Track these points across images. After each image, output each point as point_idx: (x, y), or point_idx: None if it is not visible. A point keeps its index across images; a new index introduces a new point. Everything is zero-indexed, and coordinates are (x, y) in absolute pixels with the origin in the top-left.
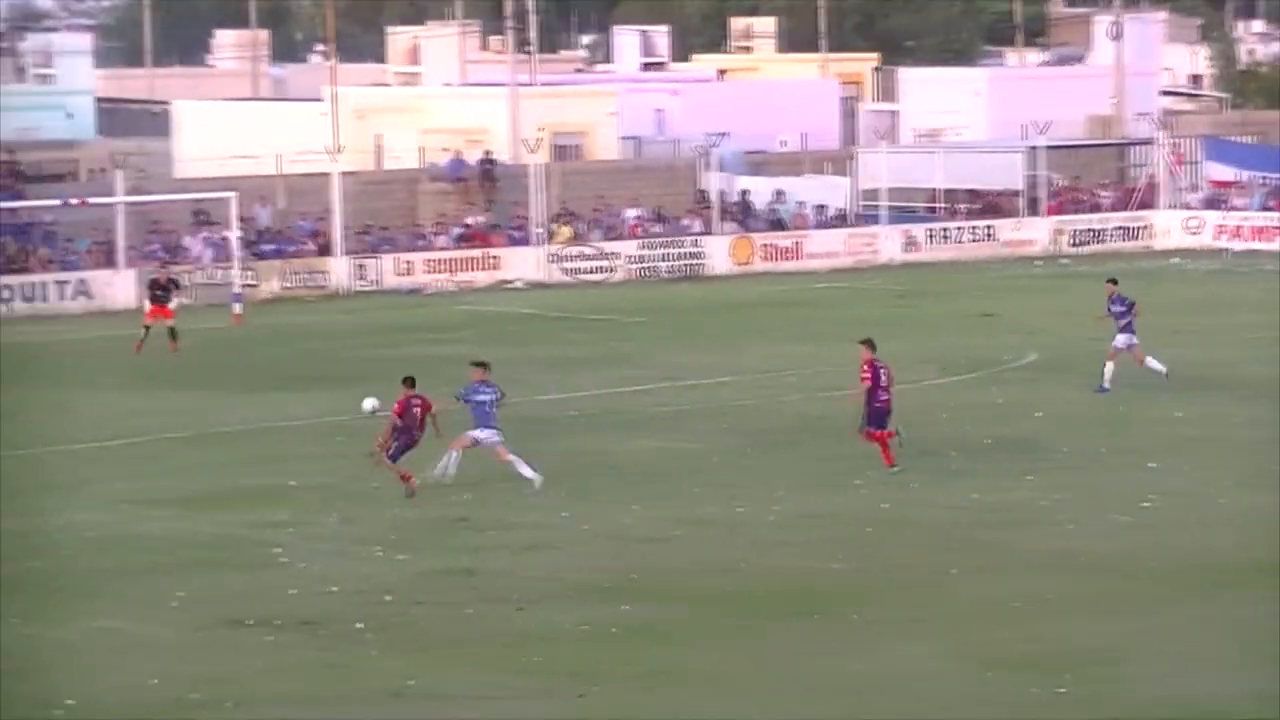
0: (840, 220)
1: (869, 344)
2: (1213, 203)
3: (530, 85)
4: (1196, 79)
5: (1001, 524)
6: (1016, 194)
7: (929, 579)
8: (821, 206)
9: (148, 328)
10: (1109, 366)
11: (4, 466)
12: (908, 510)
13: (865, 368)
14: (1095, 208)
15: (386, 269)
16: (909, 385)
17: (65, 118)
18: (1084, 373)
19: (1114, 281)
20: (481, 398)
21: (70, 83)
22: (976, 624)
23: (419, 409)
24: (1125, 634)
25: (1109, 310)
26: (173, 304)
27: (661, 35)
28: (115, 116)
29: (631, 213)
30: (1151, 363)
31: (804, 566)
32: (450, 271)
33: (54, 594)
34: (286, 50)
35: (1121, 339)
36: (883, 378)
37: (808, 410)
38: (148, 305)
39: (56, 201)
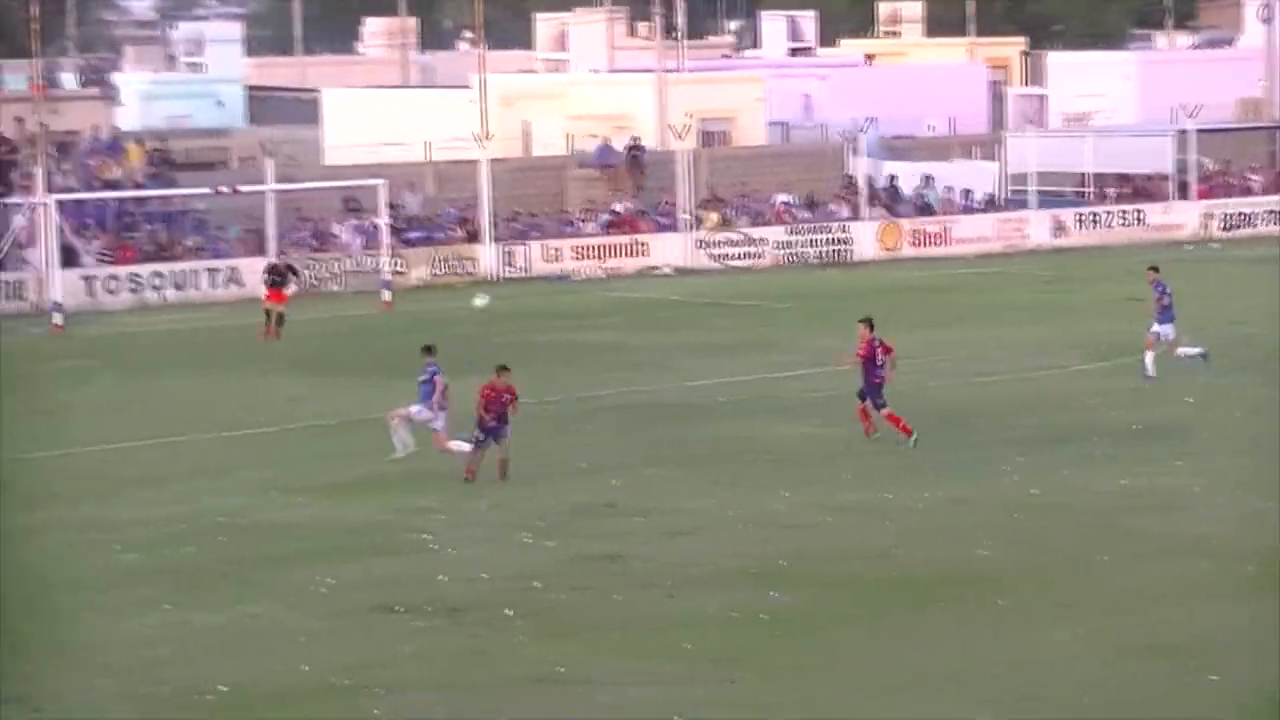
0: (989, 205)
1: (868, 322)
2: None
3: (677, 71)
4: None
5: (1149, 509)
6: (1166, 178)
7: (1076, 565)
8: (969, 191)
9: (268, 312)
10: (1149, 356)
11: (155, 453)
12: (1056, 496)
13: (863, 345)
14: (1246, 191)
15: (535, 255)
16: (1057, 370)
17: (216, 106)
18: (1233, 358)
19: (1155, 269)
20: (421, 378)
21: (221, 71)
22: (1122, 610)
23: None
24: (1272, 620)
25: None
26: (289, 289)
27: (808, 20)
28: (265, 104)
29: (779, 198)
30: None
31: (952, 553)
32: (598, 258)
33: (206, 580)
34: (435, 38)
35: (1165, 328)
36: (879, 356)
37: (957, 396)
38: (265, 290)
39: (207, 189)
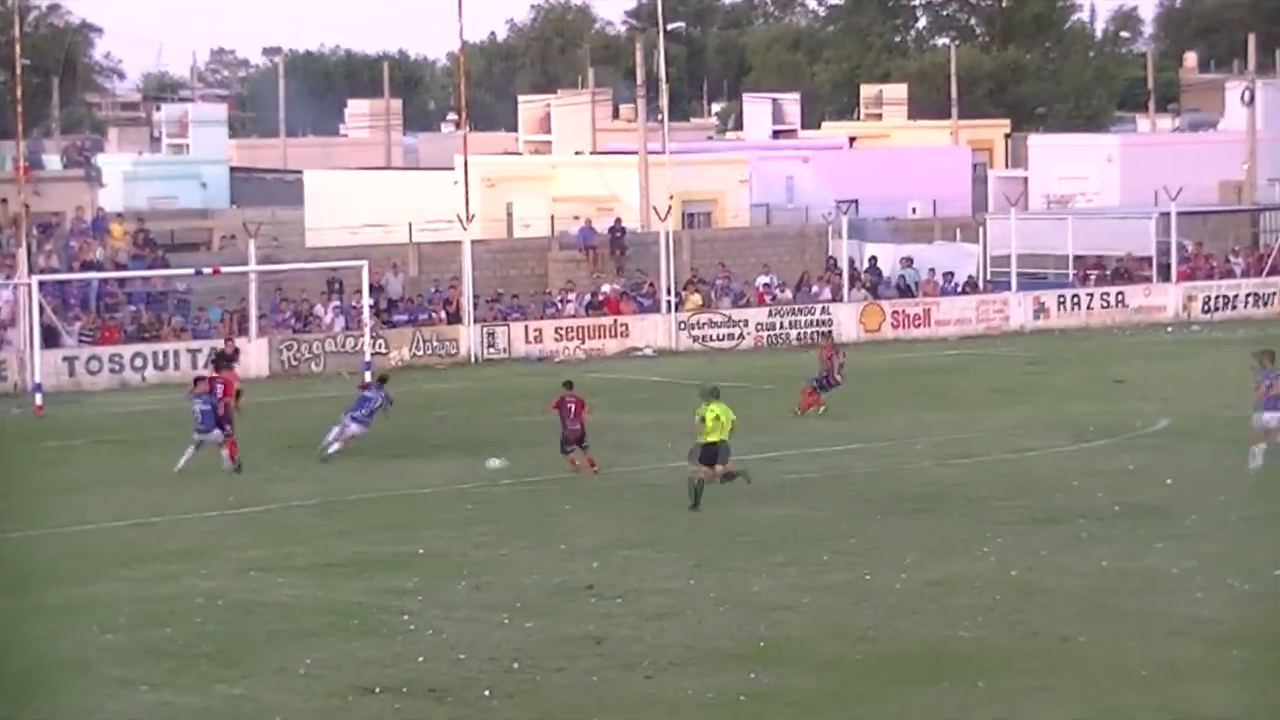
0: (970, 287)
1: (568, 385)
2: None
3: (661, 153)
4: None
5: (1130, 591)
6: (1148, 260)
7: (1057, 646)
8: (951, 273)
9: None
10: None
11: (136, 534)
12: (1036, 577)
13: (555, 402)
14: (1227, 274)
15: (516, 337)
16: (1038, 452)
17: (199, 187)
18: (1215, 440)
19: (1271, 355)
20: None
21: (204, 152)
22: (1104, 692)
23: (572, 405)
24: (1257, 704)
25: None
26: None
27: (792, 103)
28: (248, 185)
29: (761, 280)
30: None
31: (932, 634)
32: (580, 339)
33: (185, 661)
34: (419, 119)
35: (1270, 416)
36: (572, 410)
37: (936, 477)
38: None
39: (190, 270)
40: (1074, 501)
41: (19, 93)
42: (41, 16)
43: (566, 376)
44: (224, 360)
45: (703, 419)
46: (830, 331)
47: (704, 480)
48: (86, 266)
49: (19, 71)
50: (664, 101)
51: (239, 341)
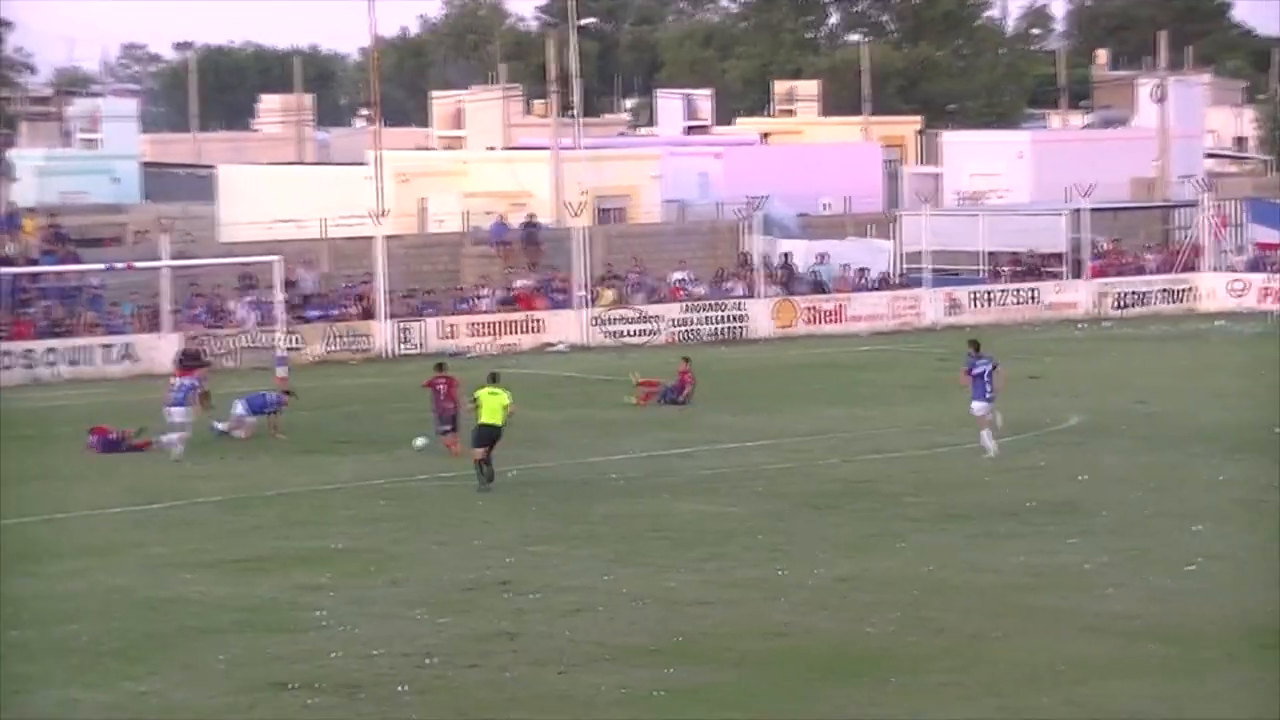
0: (883, 283)
1: (439, 366)
2: (1257, 265)
3: (574, 149)
4: (1241, 141)
5: (1045, 587)
6: (1060, 257)
7: (971, 642)
8: (864, 269)
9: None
10: (985, 434)
11: (43, 531)
12: (951, 573)
13: (427, 381)
14: (1139, 270)
15: (430, 332)
16: (951, 448)
17: (111, 182)
18: (1127, 436)
19: (976, 344)
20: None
21: (116, 147)
22: (1018, 688)
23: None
24: (1170, 698)
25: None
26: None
27: (704, 99)
28: (161, 181)
29: (675, 275)
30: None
31: (847, 629)
32: (494, 334)
33: (96, 658)
34: (331, 114)
35: (980, 405)
36: (443, 390)
37: (849, 474)
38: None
39: (102, 265)
40: (986, 498)
41: None
42: None
43: (475, 376)
44: (190, 359)
45: (475, 401)
46: (689, 358)
47: (483, 461)
48: None
49: None
50: (577, 97)
51: (153, 337)
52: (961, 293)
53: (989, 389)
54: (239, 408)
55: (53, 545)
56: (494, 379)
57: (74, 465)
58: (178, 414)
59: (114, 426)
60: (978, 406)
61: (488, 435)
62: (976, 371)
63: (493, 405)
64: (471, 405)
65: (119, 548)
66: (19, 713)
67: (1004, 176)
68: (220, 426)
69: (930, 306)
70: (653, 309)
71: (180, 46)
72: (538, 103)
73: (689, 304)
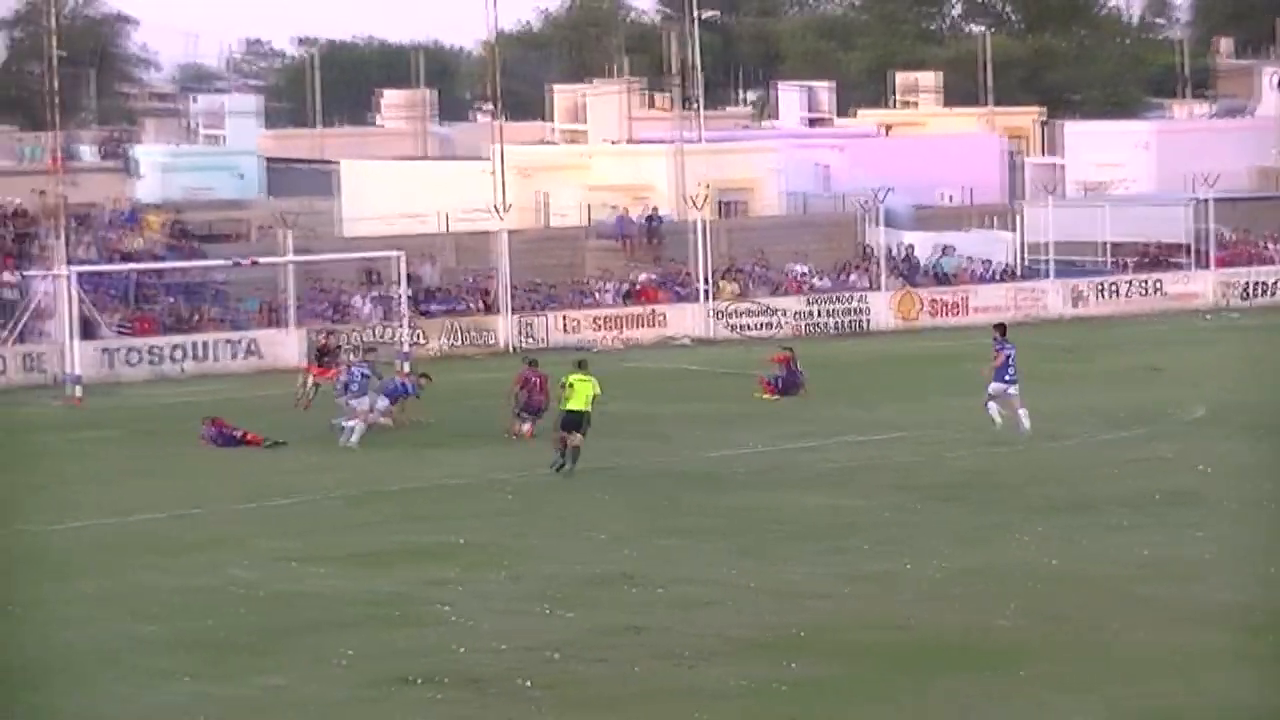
0: (1005, 275)
1: (532, 363)
2: None
3: (695, 142)
4: None
5: (1167, 578)
6: (1184, 247)
7: (1094, 634)
8: (987, 261)
9: (318, 386)
10: (993, 407)
11: (171, 525)
12: (1073, 565)
13: (520, 378)
14: (1263, 260)
15: (552, 326)
16: (1075, 440)
17: (234, 178)
18: (1251, 427)
19: (1002, 328)
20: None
21: (239, 143)
22: (1140, 679)
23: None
24: None
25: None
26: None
27: (825, 91)
28: (283, 176)
29: (796, 268)
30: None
31: (970, 622)
32: (616, 329)
33: (224, 651)
34: (452, 109)
35: (998, 385)
36: (537, 384)
37: (972, 465)
38: (308, 365)
39: (226, 261)
40: (1110, 489)
41: (54, 84)
42: (77, 8)
43: (597, 370)
44: (324, 355)
45: (565, 385)
46: (790, 349)
47: (564, 446)
48: (123, 258)
49: (54, 63)
50: (698, 90)
51: (276, 332)
52: (1085, 284)
53: (1010, 371)
54: (380, 401)
55: (184, 539)
56: (582, 365)
57: (199, 461)
58: (357, 403)
59: (232, 424)
60: (995, 386)
61: (574, 421)
62: (1006, 353)
63: (583, 392)
64: (562, 389)
65: (246, 542)
66: (153, 707)
67: (1126, 167)
68: (348, 422)
69: (1054, 298)
70: (774, 302)
71: (302, 42)
72: (658, 96)
73: (811, 297)
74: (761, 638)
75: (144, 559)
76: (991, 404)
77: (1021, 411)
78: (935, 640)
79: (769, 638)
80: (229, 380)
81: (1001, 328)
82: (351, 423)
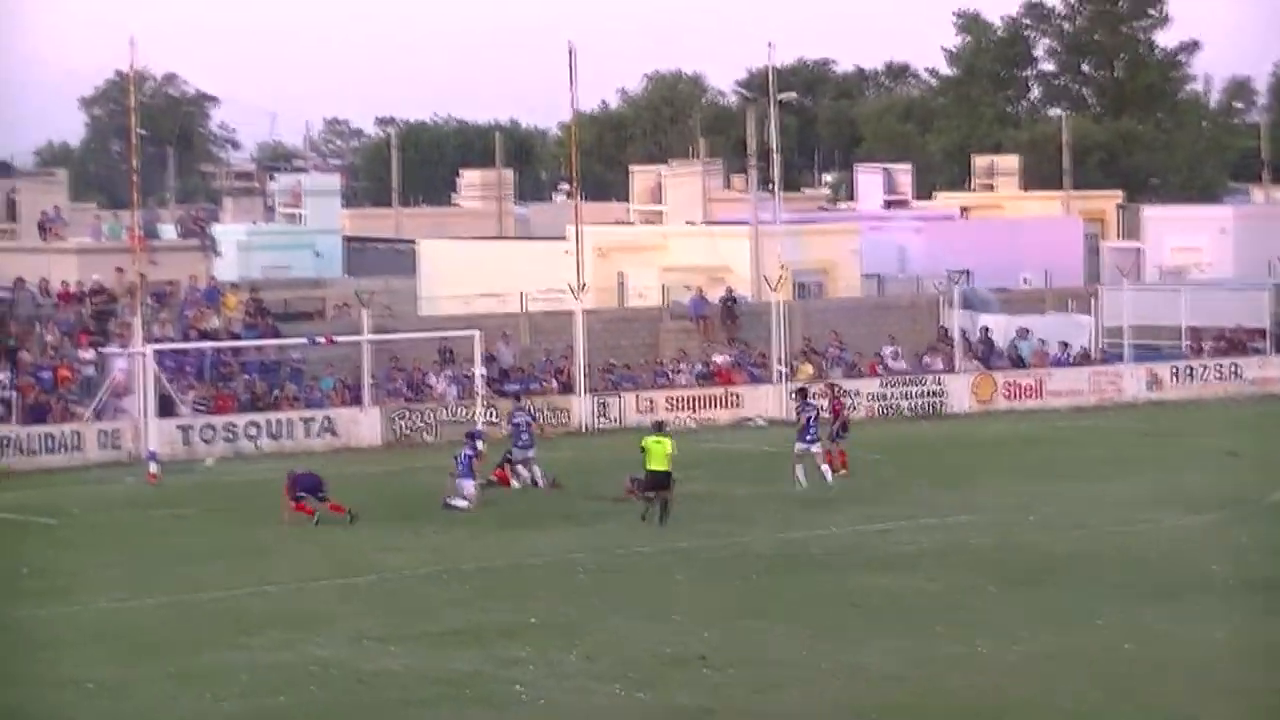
0: (1083, 358)
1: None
2: None
3: (773, 223)
4: None
5: (1246, 665)
6: (1263, 332)
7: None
8: (1064, 344)
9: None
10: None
11: (250, 602)
12: (1150, 650)
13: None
14: None
15: (628, 406)
16: (1152, 524)
17: (313, 256)
18: None
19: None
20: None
21: (318, 222)
22: None
23: None
24: None
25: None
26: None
27: (904, 173)
28: (362, 255)
29: (887, 350)
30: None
31: (1045, 706)
32: (692, 409)
33: None
34: (531, 189)
35: (801, 446)
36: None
37: (1048, 549)
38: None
39: (303, 339)
40: (1187, 574)
41: (135, 163)
42: (158, 86)
43: (680, 446)
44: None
45: (643, 449)
46: (835, 384)
47: (651, 500)
48: (202, 335)
49: (135, 141)
50: (776, 171)
51: (353, 411)
52: (1162, 368)
53: (811, 432)
54: (467, 487)
55: (259, 617)
56: (659, 427)
57: (275, 539)
58: (467, 486)
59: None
60: (799, 447)
61: (659, 481)
62: (807, 415)
63: (659, 452)
64: (641, 452)
65: (323, 620)
66: None
67: (1206, 251)
68: (455, 502)
69: (1131, 382)
70: (851, 383)
71: (382, 122)
72: (737, 177)
73: (887, 379)
74: None
75: (221, 637)
76: (798, 466)
77: (824, 468)
78: None
79: None
80: (305, 459)
81: (803, 391)
82: (462, 503)
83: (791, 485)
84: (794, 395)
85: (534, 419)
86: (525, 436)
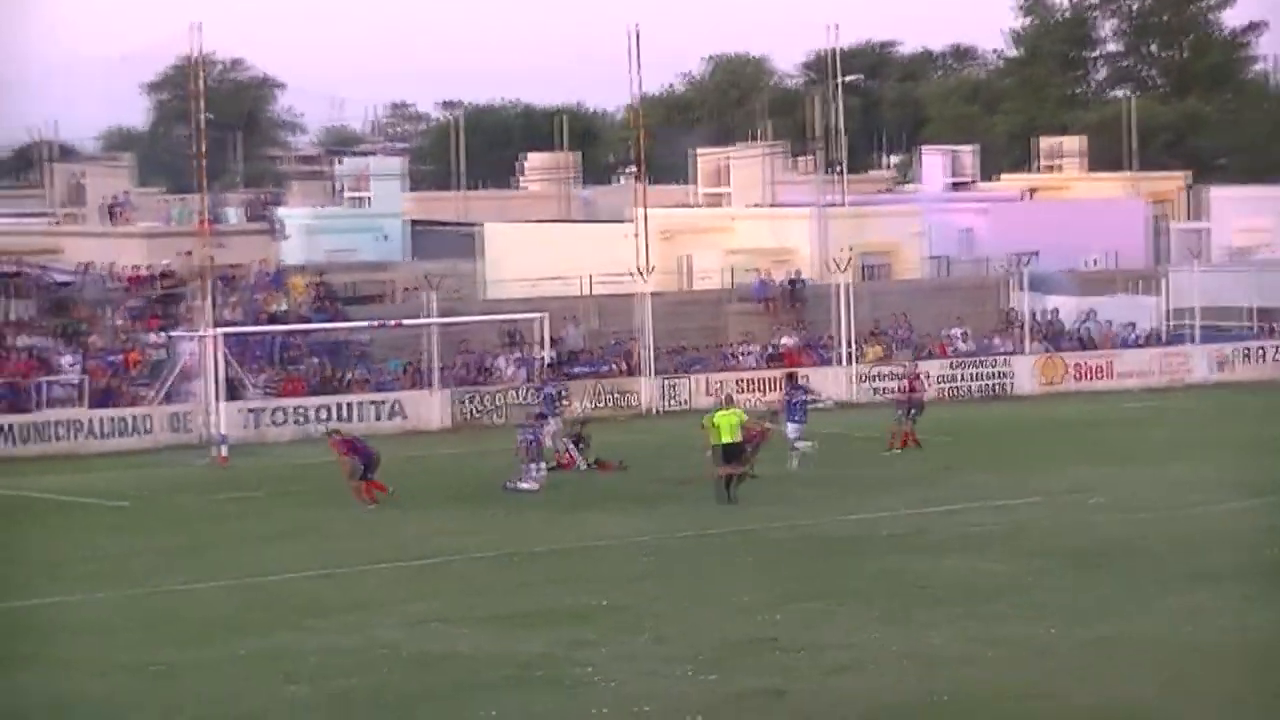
0: (1150, 340)
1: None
2: None
3: (837, 205)
4: None
5: None
6: None
7: (1235, 704)
8: (1131, 325)
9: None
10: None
11: (318, 585)
12: (1214, 634)
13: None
14: None
15: (696, 389)
16: (1217, 507)
17: (378, 240)
18: None
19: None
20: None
21: (383, 205)
22: None
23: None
24: None
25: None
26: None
27: (968, 155)
28: (427, 238)
29: (950, 331)
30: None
31: (1113, 690)
32: (759, 391)
33: (369, 712)
34: (595, 172)
35: (794, 426)
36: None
37: (1117, 531)
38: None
39: (370, 323)
40: (1250, 558)
41: (202, 147)
42: (224, 71)
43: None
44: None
45: (708, 425)
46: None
47: (730, 477)
48: (269, 319)
49: (201, 126)
50: (841, 154)
51: (421, 394)
52: (1230, 349)
53: (800, 413)
54: (533, 470)
55: (328, 600)
56: (729, 401)
57: (344, 521)
58: (533, 469)
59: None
60: (791, 428)
61: (731, 453)
62: (794, 401)
63: (730, 423)
64: (707, 428)
65: (391, 603)
66: None
67: (1273, 231)
68: (521, 485)
69: (1198, 363)
70: (917, 365)
71: (447, 105)
72: (801, 159)
73: (954, 360)
74: (903, 703)
75: (290, 619)
76: (799, 443)
77: (798, 448)
78: (1079, 708)
79: (911, 703)
80: (373, 441)
81: (792, 375)
82: (527, 485)
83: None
84: (786, 378)
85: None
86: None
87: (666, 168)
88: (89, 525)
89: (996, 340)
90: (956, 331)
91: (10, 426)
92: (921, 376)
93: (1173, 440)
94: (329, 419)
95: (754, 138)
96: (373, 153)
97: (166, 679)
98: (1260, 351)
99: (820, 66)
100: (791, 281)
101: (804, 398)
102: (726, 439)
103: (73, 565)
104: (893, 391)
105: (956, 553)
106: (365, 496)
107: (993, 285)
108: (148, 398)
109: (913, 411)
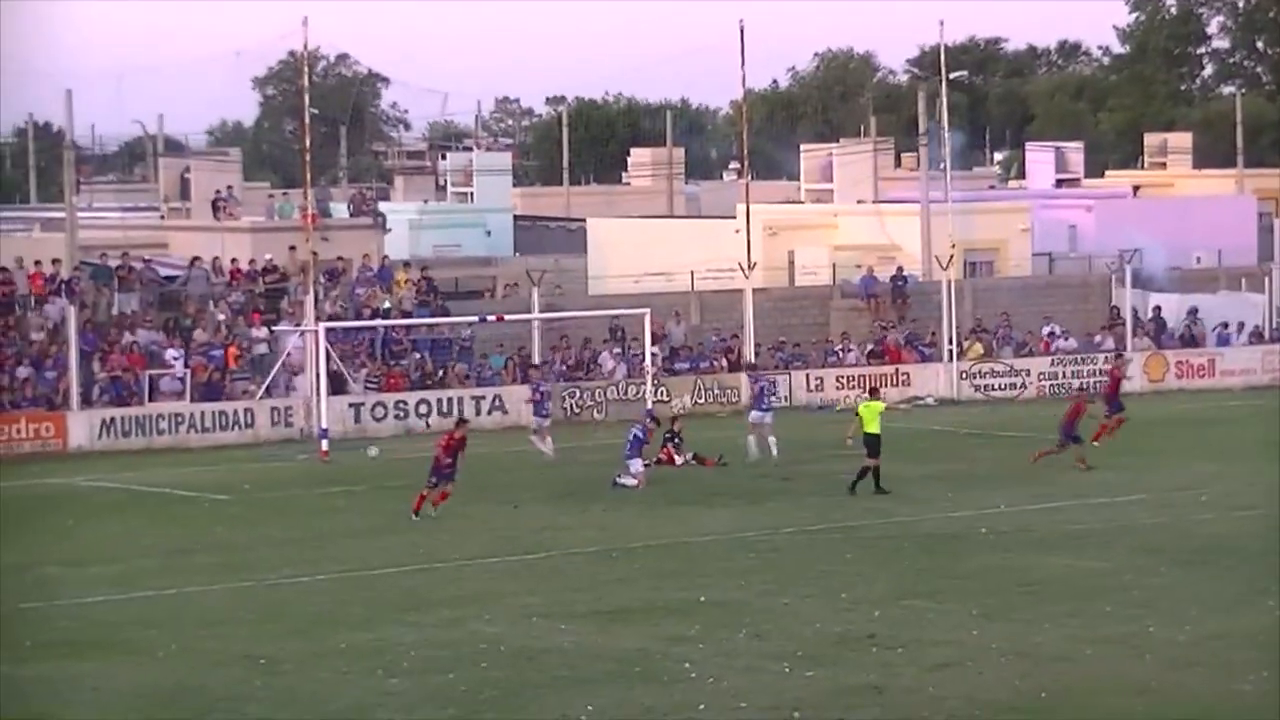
0: (1256, 338)
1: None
2: None
3: (943, 202)
4: None
5: None
6: None
7: None
8: (1239, 324)
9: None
10: (750, 440)
11: (420, 579)
12: None
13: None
14: None
15: (798, 385)
16: None
17: (483, 235)
18: None
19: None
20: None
21: (489, 200)
22: None
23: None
24: None
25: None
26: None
27: (1075, 151)
28: (532, 234)
29: (1044, 329)
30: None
31: (1216, 688)
32: (860, 387)
33: (469, 707)
34: (700, 168)
35: (756, 415)
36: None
37: (1220, 529)
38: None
39: (474, 318)
40: None
41: (307, 141)
42: (330, 66)
43: (840, 430)
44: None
45: (859, 415)
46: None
47: (875, 469)
48: (372, 314)
49: (307, 120)
50: (946, 150)
51: (523, 389)
52: None
53: (766, 401)
54: (635, 464)
55: (428, 594)
56: (874, 393)
57: (445, 516)
58: (635, 464)
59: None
60: (754, 415)
61: (875, 444)
62: (758, 387)
63: (873, 413)
64: (855, 419)
65: (493, 597)
66: None
67: None
68: (623, 481)
69: None
70: (1021, 363)
71: (552, 100)
72: (907, 155)
73: (1058, 358)
74: (1004, 700)
75: (390, 614)
76: (750, 436)
77: (772, 439)
78: (1181, 705)
79: (1012, 700)
80: (475, 436)
81: (753, 365)
82: (630, 481)
83: (745, 456)
84: (746, 369)
85: (644, 436)
86: (546, 407)
87: (772, 164)
88: (201, 518)
89: (1100, 338)
90: (1045, 329)
91: (117, 419)
92: (1120, 365)
93: (1274, 440)
94: (431, 413)
95: (860, 134)
96: (478, 148)
97: (270, 672)
98: None
99: (926, 63)
100: (896, 278)
101: (766, 385)
102: (870, 429)
103: (191, 556)
104: (996, 391)
105: (1058, 550)
106: (430, 504)
107: (1098, 282)
108: (252, 392)
109: (1114, 401)
